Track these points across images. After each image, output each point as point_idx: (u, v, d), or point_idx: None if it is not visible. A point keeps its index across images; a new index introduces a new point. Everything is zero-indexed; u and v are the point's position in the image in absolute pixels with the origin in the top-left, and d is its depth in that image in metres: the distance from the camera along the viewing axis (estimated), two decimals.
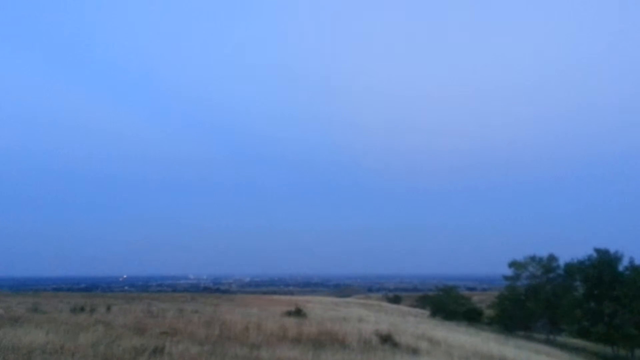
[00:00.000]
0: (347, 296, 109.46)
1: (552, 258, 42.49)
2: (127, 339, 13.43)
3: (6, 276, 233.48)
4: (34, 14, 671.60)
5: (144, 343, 13.18)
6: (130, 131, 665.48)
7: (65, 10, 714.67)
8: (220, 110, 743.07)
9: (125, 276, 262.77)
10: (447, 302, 48.28)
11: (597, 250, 39.29)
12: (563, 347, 36.91)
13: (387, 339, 18.41)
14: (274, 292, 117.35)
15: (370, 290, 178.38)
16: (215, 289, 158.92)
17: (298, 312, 29.83)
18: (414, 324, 31.29)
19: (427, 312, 53.24)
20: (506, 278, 44.12)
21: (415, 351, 17.12)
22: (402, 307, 68.37)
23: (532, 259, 42.91)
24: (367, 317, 32.52)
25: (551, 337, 40.14)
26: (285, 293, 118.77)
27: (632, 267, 37.48)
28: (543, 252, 43.18)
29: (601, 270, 37.70)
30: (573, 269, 40.14)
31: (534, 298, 40.75)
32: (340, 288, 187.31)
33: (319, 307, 43.04)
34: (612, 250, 39.00)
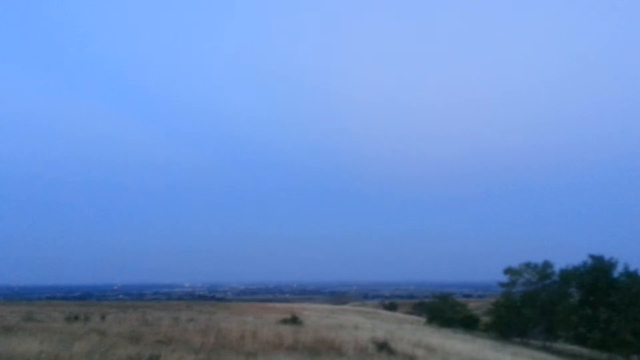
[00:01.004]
0: (343, 303, 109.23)
1: (547, 264, 42.51)
2: (122, 348, 13.34)
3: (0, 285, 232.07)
4: (23, 15, 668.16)
5: (139, 352, 13.09)
6: (122, 137, 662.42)
7: (55, 11, 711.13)
8: (214, 117, 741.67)
9: (116, 287, 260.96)
10: (444, 309, 48.21)
11: (592, 257, 39.40)
12: (560, 353, 36.87)
13: (383, 347, 18.35)
14: (270, 300, 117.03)
15: (366, 297, 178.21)
16: (211, 297, 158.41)
17: (294, 320, 29.74)
18: (410, 331, 31.21)
19: (423, 319, 53.17)
20: (502, 285, 44.10)
21: (411, 358, 17.08)
22: (399, 314, 68.28)
23: (528, 265, 42.91)
24: (363, 325, 32.44)
25: (548, 343, 40.10)
26: (281, 301, 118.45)
27: (627, 273, 37.59)
28: (539, 259, 43.21)
29: (596, 276, 37.79)
30: (568, 276, 40.20)
31: (530, 305, 40.73)
32: (336, 295, 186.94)
33: (315, 314, 42.94)
34: (606, 256, 39.15)
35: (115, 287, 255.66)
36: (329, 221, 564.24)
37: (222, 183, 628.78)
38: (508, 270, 43.52)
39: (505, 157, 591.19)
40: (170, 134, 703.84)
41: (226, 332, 18.52)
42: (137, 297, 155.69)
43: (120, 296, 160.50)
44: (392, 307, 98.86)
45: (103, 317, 27.16)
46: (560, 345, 41.77)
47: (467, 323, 45.86)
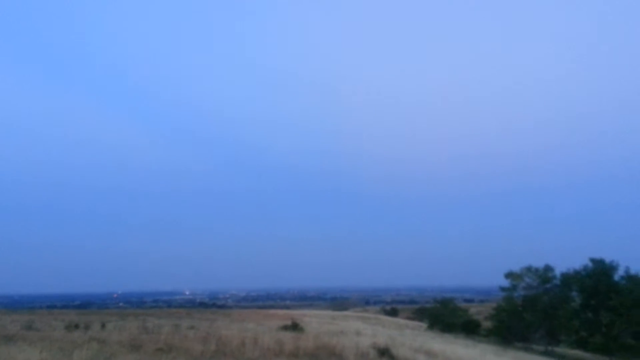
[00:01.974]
0: (344, 309, 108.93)
1: (548, 268, 42.50)
2: (121, 356, 13.31)
3: (0, 294, 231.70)
4: (19, 19, 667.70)
5: (139, 359, 13.06)
6: (122, 141, 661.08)
7: (50, 12, 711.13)
8: (213, 120, 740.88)
9: (116, 295, 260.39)
10: (445, 314, 48.15)
11: (593, 260, 39.37)
12: (562, 358, 36.80)
13: (384, 353, 18.30)
14: (271, 307, 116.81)
15: (367, 303, 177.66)
16: (212, 304, 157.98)
17: (295, 326, 29.66)
18: (411, 337, 31.13)
19: (424, 325, 53.02)
20: (503, 289, 44.07)
21: None
22: (400, 320, 68.06)
23: (529, 269, 42.90)
24: (364, 331, 32.35)
25: (549, 348, 40.00)
26: (282, 307, 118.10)
27: (628, 277, 37.56)
28: (540, 262, 43.22)
29: (597, 280, 37.75)
30: (569, 279, 40.18)
31: (531, 309, 40.67)
32: (337, 301, 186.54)
33: (315, 320, 42.81)
34: (607, 259, 39.11)
35: (116, 295, 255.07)
36: (331, 225, 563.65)
37: (222, 187, 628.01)
38: (509, 275, 43.50)
39: (506, 158, 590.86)
40: (170, 137, 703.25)
41: (227, 339, 18.47)
42: (137, 304, 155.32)
43: (121, 304, 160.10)
44: (393, 312, 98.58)
45: (103, 326, 27.08)
46: (562, 349, 41.68)
47: (468, 328, 45.78)
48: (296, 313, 57.19)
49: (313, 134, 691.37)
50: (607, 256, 39.11)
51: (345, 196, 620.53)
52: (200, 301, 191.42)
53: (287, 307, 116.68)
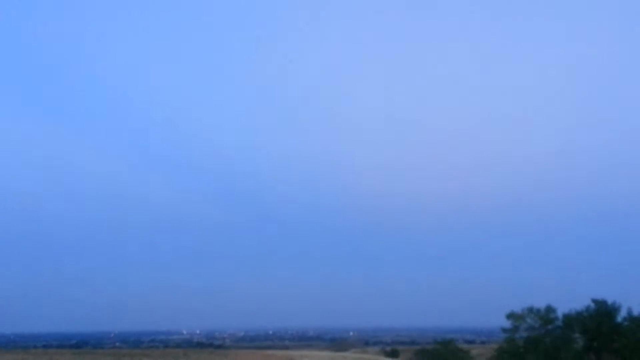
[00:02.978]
0: (344, 350, 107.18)
1: (550, 309, 42.18)
2: None
3: None
4: None
5: None
6: (113, 173, 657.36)
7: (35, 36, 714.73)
8: (209, 149, 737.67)
9: (112, 334, 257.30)
10: (446, 356, 47.58)
11: (595, 301, 39.16)
12: None
13: None
14: (269, 347, 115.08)
15: (367, 343, 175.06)
16: (209, 344, 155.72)
17: None
18: None
19: None
20: (504, 330, 43.64)
21: None
22: None
23: (530, 310, 42.57)
24: None
25: None
26: (280, 347, 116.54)
27: (631, 318, 37.29)
28: (541, 303, 42.87)
29: (599, 321, 37.46)
30: (571, 320, 39.85)
31: (533, 350, 40.15)
32: (337, 342, 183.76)
33: None
34: (610, 300, 38.91)
35: (112, 335, 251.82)
36: (330, 264, 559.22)
37: (219, 221, 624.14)
38: (510, 315, 43.14)
39: (504, 194, 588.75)
40: (164, 169, 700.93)
41: None
42: (133, 344, 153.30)
43: (117, 344, 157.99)
44: (393, 353, 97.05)
45: None
46: None
47: None
48: (295, 354, 56.42)
49: (315, 167, 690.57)
50: (611, 298, 38.98)
51: (344, 232, 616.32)
52: (197, 341, 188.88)
53: (286, 347, 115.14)
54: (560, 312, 41.49)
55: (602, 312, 38.08)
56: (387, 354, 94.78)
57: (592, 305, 38.98)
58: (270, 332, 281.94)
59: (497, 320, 45.63)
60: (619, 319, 37.92)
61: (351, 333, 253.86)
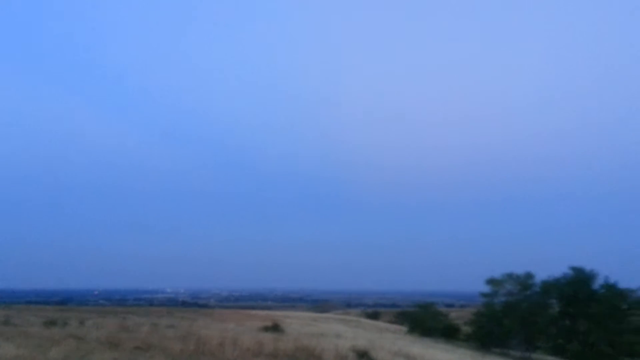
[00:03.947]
0: (326, 312, 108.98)
1: (529, 275, 42.85)
2: (99, 354, 13.24)
3: None
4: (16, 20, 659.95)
5: (117, 358, 13.01)
6: (104, 138, 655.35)
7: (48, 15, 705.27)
8: (202, 120, 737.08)
9: (96, 292, 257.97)
10: (425, 319, 48.33)
11: (573, 268, 39.81)
12: None
13: (363, 355, 18.40)
14: (252, 307, 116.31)
15: (349, 305, 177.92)
16: (193, 304, 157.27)
17: (275, 328, 29.67)
18: (391, 340, 31.31)
19: (405, 329, 53.23)
20: (483, 295, 44.36)
21: None
22: (380, 323, 68.29)
23: (510, 276, 43.22)
24: (344, 333, 32.46)
25: (527, 354, 40.38)
26: (263, 308, 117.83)
27: (607, 286, 38.05)
28: (521, 269, 43.57)
29: (576, 288, 38.20)
30: (549, 287, 40.57)
31: (511, 315, 41.00)
32: (319, 303, 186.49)
33: (296, 322, 42.83)
34: (587, 268, 39.59)
35: (96, 292, 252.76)
36: (315, 228, 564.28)
37: (206, 187, 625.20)
38: (490, 281, 43.80)
39: (490, 167, 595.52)
40: (157, 137, 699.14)
41: (206, 339, 18.44)
42: (117, 302, 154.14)
43: (101, 301, 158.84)
44: (374, 315, 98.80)
45: (81, 323, 26.86)
46: (539, 355, 42.08)
47: (448, 333, 46.04)
48: (278, 314, 57.16)
49: (300, 139, 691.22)
50: (589, 266, 39.64)
51: (330, 200, 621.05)
52: (182, 300, 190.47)
53: (269, 308, 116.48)
54: (539, 279, 42.25)
55: (580, 279, 38.78)
56: (369, 316, 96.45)
57: (570, 272, 39.67)
58: (254, 294, 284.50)
59: (478, 286, 46.33)
60: (596, 286, 38.65)
61: (337, 295, 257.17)
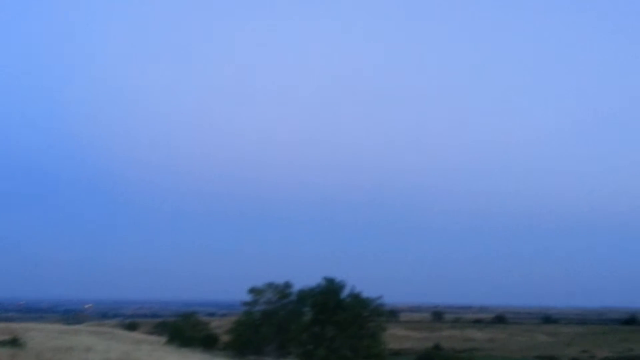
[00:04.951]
0: (78, 323, 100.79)
1: (287, 285, 45.31)
2: None
3: None
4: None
5: None
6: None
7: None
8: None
9: None
10: (185, 329, 47.78)
11: (326, 279, 43.28)
12: None
13: None
14: None
15: (105, 316, 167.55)
16: None
17: (14, 342, 26.40)
18: (147, 352, 30.24)
19: (164, 339, 51.86)
20: (244, 304, 45.62)
21: None
22: (138, 335, 65.40)
23: (270, 285, 45.17)
24: (96, 346, 30.29)
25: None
26: (3, 320, 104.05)
27: (353, 295, 42.21)
28: (286, 279, 45.73)
29: (327, 297, 41.57)
30: (304, 295, 43.44)
31: (268, 323, 42.79)
32: (71, 314, 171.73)
33: (41, 335, 38.65)
34: (339, 279, 43.37)
35: None
36: (63, 232, 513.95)
37: None
38: (252, 290, 45.24)
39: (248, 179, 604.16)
40: None
41: None
42: None
43: None
44: (132, 326, 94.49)
45: None
46: None
47: (207, 342, 46.12)
48: (19, 327, 50.89)
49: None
50: (344, 277, 43.48)
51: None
52: None
53: (11, 320, 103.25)
54: (298, 288, 44.95)
55: (331, 289, 42.32)
56: (126, 327, 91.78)
57: (324, 282, 43.06)
58: None
59: (241, 295, 47.37)
60: (344, 295, 42.56)
61: (88, 305, 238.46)
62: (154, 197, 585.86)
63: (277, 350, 43.33)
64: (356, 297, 42.01)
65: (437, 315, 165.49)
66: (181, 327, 48.42)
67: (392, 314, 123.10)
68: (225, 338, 47.53)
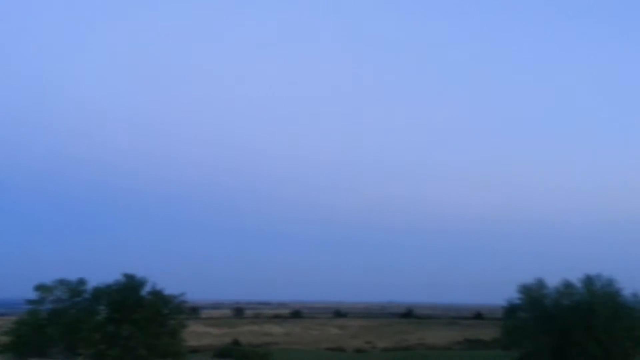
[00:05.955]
0: None
1: (81, 282, 42.56)
2: None
3: None
4: None
5: None
6: None
7: None
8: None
9: None
10: None
11: (125, 275, 41.57)
12: None
13: None
14: None
15: None
16: None
17: None
18: None
19: None
20: (29, 302, 41.83)
21: None
22: None
23: (61, 282, 42.06)
24: None
25: None
26: None
27: (154, 292, 41.16)
28: (83, 275, 42.89)
29: (125, 294, 39.99)
30: (100, 293, 41.23)
31: (56, 323, 39.87)
32: None
33: None
34: (141, 275, 41.94)
35: None
36: None
37: None
38: (39, 287, 41.70)
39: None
40: None
41: None
42: None
43: None
44: None
45: None
46: None
47: None
48: None
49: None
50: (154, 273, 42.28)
51: None
52: None
53: None
54: (92, 286, 42.40)
55: (130, 286, 40.73)
56: None
57: (123, 279, 41.29)
58: None
59: (25, 293, 43.32)
60: (144, 292, 41.28)
61: None
62: None
63: (64, 352, 40.59)
64: (157, 294, 41.06)
65: (238, 312, 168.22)
66: None
67: (194, 311, 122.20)
68: (3, 339, 43.12)
